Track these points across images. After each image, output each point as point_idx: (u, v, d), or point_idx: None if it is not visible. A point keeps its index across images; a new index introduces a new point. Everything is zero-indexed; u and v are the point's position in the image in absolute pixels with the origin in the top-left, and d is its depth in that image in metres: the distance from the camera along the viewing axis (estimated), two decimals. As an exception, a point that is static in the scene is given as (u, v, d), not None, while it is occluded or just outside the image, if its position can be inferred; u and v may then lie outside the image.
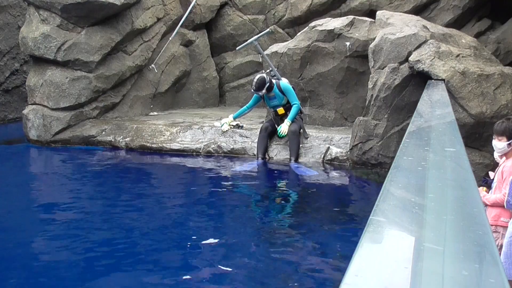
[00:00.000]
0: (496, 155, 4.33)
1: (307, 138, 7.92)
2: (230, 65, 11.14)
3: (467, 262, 1.60)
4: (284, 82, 8.06)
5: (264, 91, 7.81)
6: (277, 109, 8.01)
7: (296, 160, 7.70)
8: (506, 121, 4.09)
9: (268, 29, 8.50)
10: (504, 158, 4.14)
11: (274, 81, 7.96)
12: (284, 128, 7.83)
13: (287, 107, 7.97)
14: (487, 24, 9.56)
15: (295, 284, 4.16)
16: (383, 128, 7.05)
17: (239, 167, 7.54)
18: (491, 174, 4.58)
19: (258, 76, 7.96)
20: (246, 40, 10.93)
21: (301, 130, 7.92)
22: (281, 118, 8.01)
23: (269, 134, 7.98)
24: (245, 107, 8.41)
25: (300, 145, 7.83)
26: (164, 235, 5.25)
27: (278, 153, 7.93)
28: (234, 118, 8.44)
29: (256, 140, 7.99)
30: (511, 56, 9.19)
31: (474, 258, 1.65)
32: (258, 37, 8.67)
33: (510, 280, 3.63)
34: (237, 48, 9.32)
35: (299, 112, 8.04)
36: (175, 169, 7.75)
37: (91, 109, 9.24)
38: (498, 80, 6.35)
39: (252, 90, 7.97)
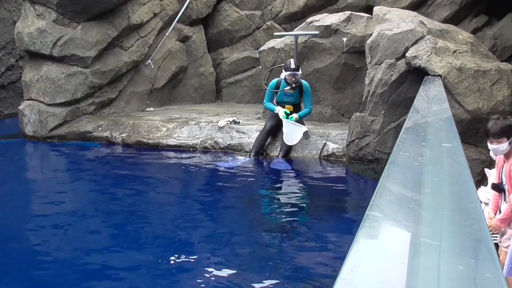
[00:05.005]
0: (492, 153, 4.01)
1: (307, 138, 7.85)
2: (226, 60, 11.12)
3: (463, 257, 1.60)
4: (306, 83, 7.95)
5: (300, 72, 7.68)
6: (286, 105, 7.88)
7: (284, 157, 7.62)
8: (498, 120, 3.70)
9: (316, 32, 8.39)
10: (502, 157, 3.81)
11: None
12: (294, 115, 7.68)
13: (296, 108, 7.89)
14: (484, 20, 9.56)
15: (292, 279, 4.17)
16: (380, 124, 7.05)
17: (222, 163, 7.52)
18: (486, 171, 4.55)
19: (291, 59, 7.88)
20: (245, 36, 10.98)
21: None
22: None
23: (270, 135, 7.90)
24: (268, 102, 7.91)
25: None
26: (160, 231, 5.25)
27: (275, 149, 7.92)
28: (273, 111, 7.91)
29: (253, 136, 7.96)
30: (508, 52, 9.19)
31: (470, 253, 1.65)
32: (302, 34, 8.49)
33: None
34: (275, 34, 9.29)
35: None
36: (171, 165, 7.74)
37: (87, 105, 9.21)
38: (494, 76, 6.35)
39: (287, 71, 7.57)
